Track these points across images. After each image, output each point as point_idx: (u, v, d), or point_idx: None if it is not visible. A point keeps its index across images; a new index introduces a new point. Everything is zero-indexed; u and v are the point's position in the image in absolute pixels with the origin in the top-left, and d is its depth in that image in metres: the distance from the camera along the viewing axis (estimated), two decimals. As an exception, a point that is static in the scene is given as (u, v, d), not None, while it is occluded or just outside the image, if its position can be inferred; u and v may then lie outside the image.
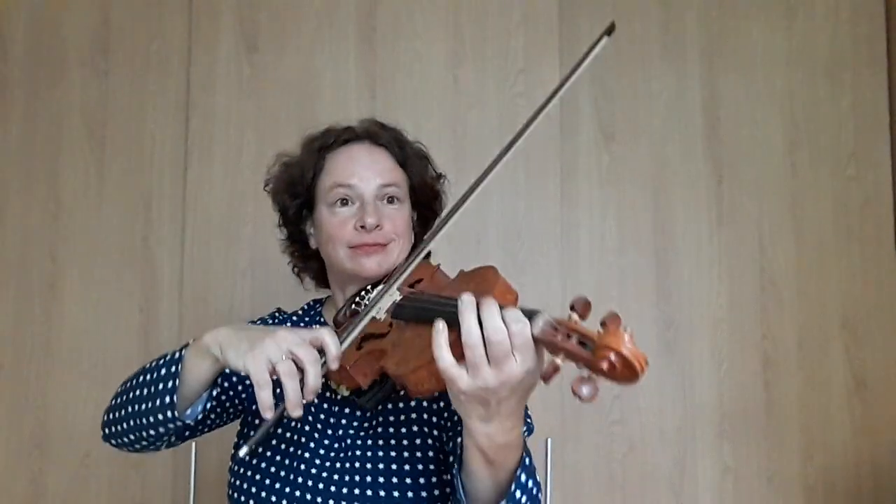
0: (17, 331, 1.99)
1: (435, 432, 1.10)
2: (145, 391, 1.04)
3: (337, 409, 1.14)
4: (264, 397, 0.88)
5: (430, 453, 1.08)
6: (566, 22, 2.07)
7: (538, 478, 0.93)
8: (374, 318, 1.02)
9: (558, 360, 0.76)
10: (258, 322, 1.27)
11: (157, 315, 1.99)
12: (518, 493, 0.88)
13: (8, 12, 2.08)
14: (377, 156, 1.20)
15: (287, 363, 0.88)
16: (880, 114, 2.07)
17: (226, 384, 1.17)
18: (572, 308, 0.78)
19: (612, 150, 2.06)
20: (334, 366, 0.92)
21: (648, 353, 1.96)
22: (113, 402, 1.11)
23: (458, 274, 1.07)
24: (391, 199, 1.18)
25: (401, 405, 1.12)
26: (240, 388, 1.19)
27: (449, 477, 1.06)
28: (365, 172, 1.17)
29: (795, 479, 1.97)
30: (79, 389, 1.97)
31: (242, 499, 1.10)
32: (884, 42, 2.09)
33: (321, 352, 0.91)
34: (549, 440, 1.91)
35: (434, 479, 1.06)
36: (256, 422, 1.17)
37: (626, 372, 0.72)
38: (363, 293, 1.15)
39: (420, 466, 1.07)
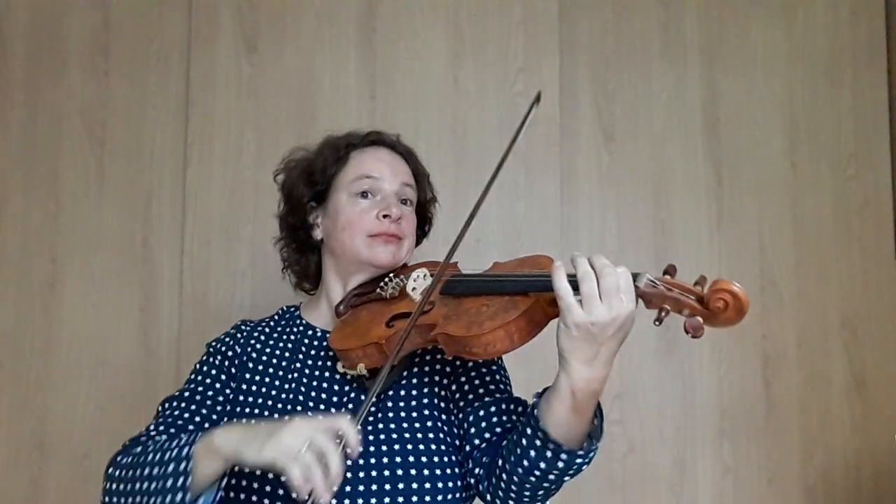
0: (17, 331, 1.99)
1: (444, 416, 1.16)
2: (152, 486, 1.01)
3: (341, 394, 1.17)
4: (299, 484, 0.87)
5: (441, 434, 1.13)
6: (566, 22, 2.07)
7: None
8: (408, 299, 1.14)
9: (668, 307, 0.91)
10: (224, 337, 1.29)
11: (157, 315, 1.99)
12: (600, 440, 1.03)
13: (8, 12, 2.07)
14: (398, 160, 1.30)
15: (308, 454, 0.88)
16: (880, 114, 2.07)
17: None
18: (666, 272, 0.94)
19: (612, 150, 2.06)
20: (355, 454, 0.92)
21: (648, 353, 1.99)
22: (111, 485, 1.06)
23: (493, 265, 1.17)
24: (405, 201, 1.27)
25: (413, 392, 1.17)
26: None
27: (454, 458, 1.13)
28: (388, 171, 1.26)
29: (795, 479, 1.97)
30: (79, 389, 1.97)
31: (240, 480, 1.10)
32: (884, 42, 2.09)
33: (340, 438, 0.90)
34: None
35: (446, 459, 1.11)
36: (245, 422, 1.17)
37: (734, 311, 0.88)
38: (383, 284, 1.20)
39: (433, 446, 1.12)
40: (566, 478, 1.03)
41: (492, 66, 2.06)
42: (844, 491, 1.97)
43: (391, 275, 1.22)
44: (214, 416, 1.19)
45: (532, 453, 1.01)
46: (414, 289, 1.17)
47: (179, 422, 1.17)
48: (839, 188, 2.06)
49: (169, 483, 0.98)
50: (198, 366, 1.26)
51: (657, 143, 2.06)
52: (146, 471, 1.02)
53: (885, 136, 2.07)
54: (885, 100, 2.08)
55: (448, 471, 1.12)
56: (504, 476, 1.05)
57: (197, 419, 1.18)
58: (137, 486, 1.02)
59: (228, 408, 1.21)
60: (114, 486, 1.05)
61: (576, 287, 0.93)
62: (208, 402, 1.20)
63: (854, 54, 2.09)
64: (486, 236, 2.01)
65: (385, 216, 1.22)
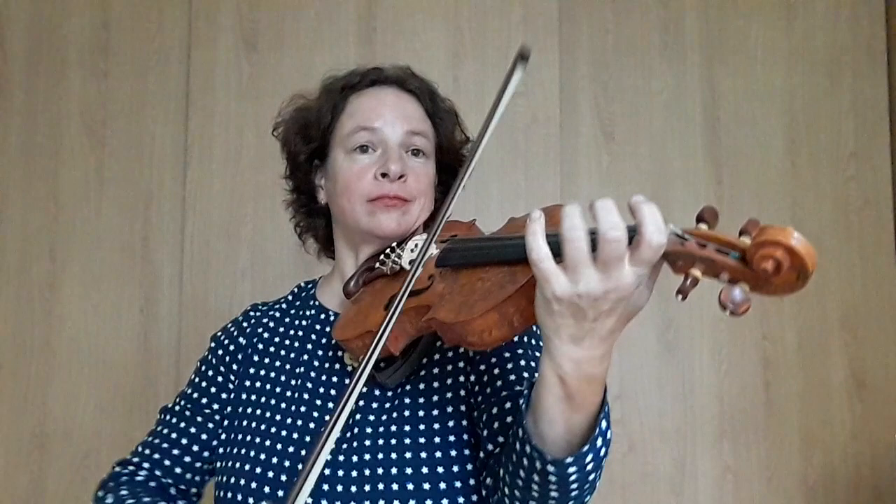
0: (17, 331, 1.99)
1: (462, 408, 0.97)
2: None
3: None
4: None
5: (465, 436, 0.96)
6: (566, 22, 2.07)
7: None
8: (406, 271, 0.92)
9: (697, 273, 0.65)
10: (230, 326, 1.19)
11: (157, 315, 1.99)
12: (599, 442, 0.76)
13: (8, 12, 2.08)
14: (406, 101, 1.10)
15: None
16: (880, 114, 2.07)
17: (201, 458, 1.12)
18: (700, 219, 0.68)
19: (612, 149, 2.06)
20: None
21: (648, 353, 1.96)
22: None
23: (508, 222, 0.96)
24: (416, 152, 1.07)
25: (430, 383, 0.99)
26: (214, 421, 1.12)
27: (469, 466, 0.95)
28: (391, 116, 1.06)
29: (795, 479, 1.97)
30: (79, 389, 1.97)
31: (238, 497, 1.00)
32: (884, 42, 2.08)
33: None
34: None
35: (469, 467, 0.95)
36: (245, 423, 1.08)
37: (792, 272, 0.61)
38: (383, 257, 1.02)
39: (453, 452, 0.95)
40: (573, 494, 0.79)
41: (492, 66, 2.06)
42: (844, 491, 1.97)
43: (393, 245, 1.03)
44: (205, 436, 1.11)
45: (520, 460, 0.80)
46: (411, 261, 0.96)
47: (165, 444, 1.11)
48: (839, 188, 2.05)
49: None
50: (199, 363, 1.17)
51: (657, 143, 2.06)
52: None
53: (885, 136, 2.07)
54: (885, 100, 2.07)
55: (458, 483, 0.93)
56: (507, 490, 0.84)
57: (184, 441, 1.11)
58: None
59: (229, 409, 1.10)
60: None
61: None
62: (198, 419, 1.12)
63: (854, 54, 2.09)
64: (486, 236, 2.00)
65: (384, 175, 1.02)
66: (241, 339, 1.15)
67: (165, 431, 1.13)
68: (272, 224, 1.97)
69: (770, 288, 0.63)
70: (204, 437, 1.11)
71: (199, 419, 1.12)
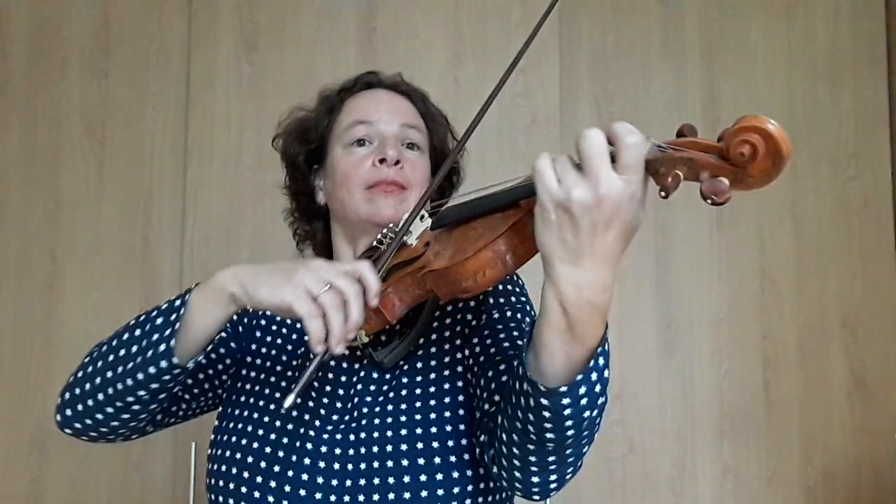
0: (17, 331, 1.99)
1: (460, 383, 1.00)
2: (133, 347, 0.90)
3: (350, 373, 1.02)
4: (315, 329, 0.78)
5: (461, 411, 0.97)
6: (566, 22, 2.07)
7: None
8: (406, 247, 0.94)
9: (679, 172, 0.67)
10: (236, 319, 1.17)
11: (157, 315, 1.99)
12: (594, 376, 0.76)
13: (8, 12, 2.08)
14: (399, 101, 1.15)
15: (330, 294, 0.79)
16: (880, 114, 2.07)
17: (211, 363, 1.09)
18: (679, 134, 0.71)
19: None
20: (374, 302, 0.82)
21: (648, 353, 1.95)
22: (79, 373, 0.96)
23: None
24: (412, 146, 1.12)
25: (428, 361, 1.02)
26: (220, 366, 1.10)
27: (478, 415, 0.95)
28: (386, 112, 1.11)
29: (795, 479, 1.97)
30: (79, 389, 1.97)
31: (230, 485, 0.98)
32: (884, 42, 2.09)
33: (361, 283, 0.82)
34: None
35: (464, 442, 0.96)
36: (243, 398, 1.05)
37: (767, 158, 0.65)
38: (380, 237, 1.04)
39: (448, 428, 0.96)
40: (569, 434, 0.79)
41: (492, 66, 2.06)
42: (844, 491, 1.97)
43: (380, 235, 1.04)
44: (209, 386, 1.08)
45: (517, 400, 0.80)
46: (408, 231, 0.98)
47: None
48: (839, 188, 2.06)
49: (154, 337, 0.88)
50: None
51: (657, 143, 2.06)
52: (126, 336, 0.91)
53: (885, 136, 2.07)
54: (885, 100, 2.08)
55: (453, 458, 0.95)
56: (504, 437, 0.84)
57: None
58: (111, 357, 0.91)
59: (227, 381, 1.09)
60: (81, 372, 0.96)
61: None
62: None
63: (854, 54, 2.09)
64: (486, 236, 2.00)
65: (382, 161, 1.05)
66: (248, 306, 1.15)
67: None
68: (272, 224, 1.97)
69: (748, 180, 0.66)
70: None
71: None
